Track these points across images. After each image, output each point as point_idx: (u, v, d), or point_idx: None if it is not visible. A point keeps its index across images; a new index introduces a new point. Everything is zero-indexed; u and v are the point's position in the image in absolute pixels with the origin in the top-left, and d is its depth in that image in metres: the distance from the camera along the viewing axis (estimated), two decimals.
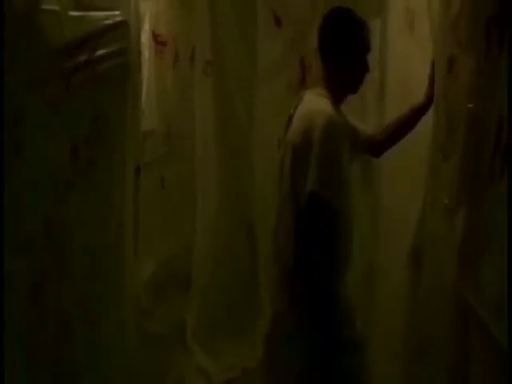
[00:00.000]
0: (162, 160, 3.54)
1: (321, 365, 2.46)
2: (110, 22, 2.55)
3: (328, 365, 2.46)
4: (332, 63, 2.62)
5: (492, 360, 1.89)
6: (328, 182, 2.42)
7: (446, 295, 2.27)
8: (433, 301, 2.46)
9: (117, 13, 2.58)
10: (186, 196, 4.02)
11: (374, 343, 3.23)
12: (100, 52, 2.50)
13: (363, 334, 2.88)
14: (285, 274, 2.55)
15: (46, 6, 2.29)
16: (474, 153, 2.12)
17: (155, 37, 3.39)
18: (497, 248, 1.89)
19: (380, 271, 3.25)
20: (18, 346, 2.29)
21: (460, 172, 2.21)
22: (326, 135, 2.41)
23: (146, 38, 3.23)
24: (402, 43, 3.11)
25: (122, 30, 2.62)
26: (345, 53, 2.60)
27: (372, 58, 3.41)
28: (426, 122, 2.75)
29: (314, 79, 4.32)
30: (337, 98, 2.63)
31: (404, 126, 2.84)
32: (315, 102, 2.55)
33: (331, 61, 2.62)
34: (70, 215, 2.44)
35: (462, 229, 2.16)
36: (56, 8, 2.32)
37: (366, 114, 3.51)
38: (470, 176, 2.13)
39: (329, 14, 2.66)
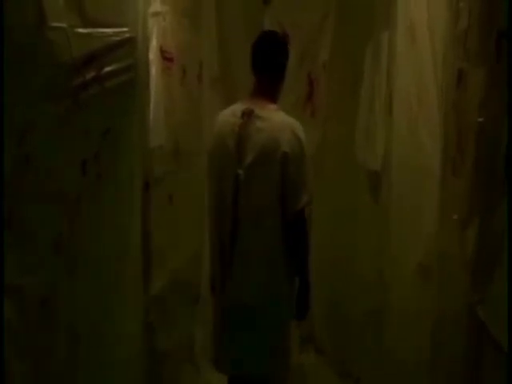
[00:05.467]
0: (170, 176, 3.54)
1: None
2: (117, 38, 2.55)
3: None
4: (278, 80, 3.06)
5: (504, 374, 1.87)
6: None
7: (457, 309, 2.26)
8: (444, 314, 2.45)
9: (125, 29, 2.59)
10: (194, 211, 4.02)
11: (384, 355, 3.21)
12: (108, 68, 2.51)
13: None
14: None
15: (53, 23, 2.30)
16: (484, 167, 2.10)
17: (163, 53, 3.39)
18: (508, 262, 1.87)
19: (389, 284, 3.23)
20: (27, 360, 2.28)
21: (471, 186, 2.19)
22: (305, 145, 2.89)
23: (153, 53, 3.22)
24: (408, 55, 3.10)
25: (130, 46, 2.62)
26: (283, 69, 3.06)
27: (380, 70, 3.44)
28: (436, 135, 2.74)
29: (318, 93, 4.35)
30: None
31: None
32: (284, 116, 2.95)
33: (278, 79, 3.06)
34: (78, 229, 2.44)
35: (473, 243, 2.15)
36: (63, 25, 2.32)
37: (376, 129, 3.51)
38: (481, 190, 2.11)
39: (265, 36, 3.12)
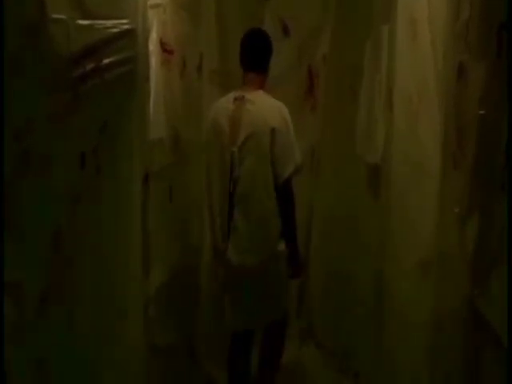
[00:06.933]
0: (170, 169, 3.53)
1: None
2: (117, 30, 2.53)
3: None
4: (265, 71, 3.51)
5: (504, 372, 1.86)
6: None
7: (457, 306, 2.25)
8: (444, 310, 2.44)
9: (124, 21, 2.57)
10: (194, 204, 4.01)
11: (384, 350, 3.21)
12: (108, 61, 2.49)
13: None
14: None
15: (53, 15, 2.28)
16: (485, 161, 2.10)
17: (162, 45, 3.38)
18: (508, 256, 1.87)
19: (390, 279, 3.22)
20: (27, 360, 2.27)
21: (471, 181, 2.19)
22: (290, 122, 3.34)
23: (153, 46, 3.21)
24: (409, 49, 3.08)
25: (130, 38, 2.60)
26: (268, 64, 3.53)
27: (380, 63, 3.43)
28: (436, 129, 2.73)
29: (318, 87, 4.34)
30: None
31: None
32: (271, 99, 3.40)
33: (265, 69, 3.51)
34: (78, 226, 2.42)
35: (474, 238, 2.14)
36: (63, 17, 2.31)
37: (376, 123, 3.50)
38: (482, 185, 2.11)
39: (253, 34, 3.56)
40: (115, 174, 2.61)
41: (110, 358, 2.61)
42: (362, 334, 3.68)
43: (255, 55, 3.50)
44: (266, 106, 3.36)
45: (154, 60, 3.23)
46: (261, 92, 3.43)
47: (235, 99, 3.39)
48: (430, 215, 2.77)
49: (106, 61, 2.49)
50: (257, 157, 3.31)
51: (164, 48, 3.40)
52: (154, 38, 3.24)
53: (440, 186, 2.59)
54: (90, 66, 2.42)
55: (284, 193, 3.36)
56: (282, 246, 3.42)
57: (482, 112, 2.07)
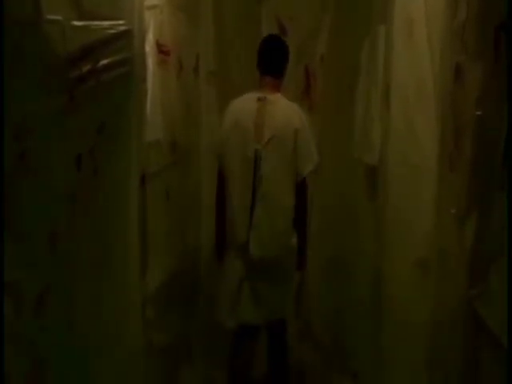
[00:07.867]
0: (167, 170, 3.53)
1: None
2: (113, 31, 2.53)
3: None
4: (281, 75, 3.68)
5: (503, 371, 1.86)
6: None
7: (455, 305, 2.25)
8: (442, 309, 2.44)
9: (121, 22, 2.56)
10: (191, 205, 4.01)
11: (383, 351, 3.21)
12: (104, 62, 2.48)
13: None
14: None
15: (49, 16, 2.27)
16: (482, 161, 2.09)
17: (159, 46, 3.37)
18: (508, 255, 1.86)
19: (387, 279, 3.22)
20: (23, 359, 2.27)
21: (469, 181, 2.18)
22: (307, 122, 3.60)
23: (149, 47, 3.21)
24: (406, 49, 3.08)
25: (126, 39, 2.60)
26: (285, 69, 3.70)
27: (377, 64, 3.43)
28: (434, 130, 2.73)
29: (315, 87, 4.33)
30: None
31: None
32: (289, 102, 3.60)
33: (281, 73, 3.67)
34: (74, 227, 2.42)
35: (471, 238, 2.14)
36: (59, 18, 2.30)
37: (373, 123, 3.49)
38: (479, 185, 2.10)
39: (272, 39, 3.75)
40: (112, 174, 2.60)
41: (109, 358, 2.61)
42: (361, 334, 3.68)
43: (273, 59, 3.66)
44: (287, 108, 3.56)
45: (151, 61, 3.22)
46: (279, 95, 3.60)
47: (258, 99, 3.54)
48: (427, 215, 2.77)
49: (102, 62, 2.49)
50: (281, 156, 3.49)
51: (160, 49, 3.39)
52: (150, 39, 3.23)
53: (437, 186, 2.59)
54: (86, 67, 2.41)
55: (301, 189, 3.59)
56: (294, 241, 3.61)
57: (479, 113, 2.07)
